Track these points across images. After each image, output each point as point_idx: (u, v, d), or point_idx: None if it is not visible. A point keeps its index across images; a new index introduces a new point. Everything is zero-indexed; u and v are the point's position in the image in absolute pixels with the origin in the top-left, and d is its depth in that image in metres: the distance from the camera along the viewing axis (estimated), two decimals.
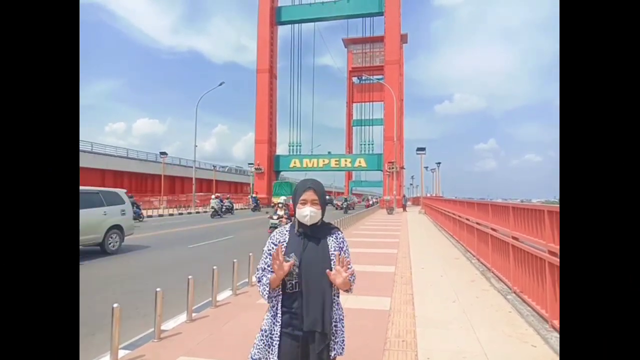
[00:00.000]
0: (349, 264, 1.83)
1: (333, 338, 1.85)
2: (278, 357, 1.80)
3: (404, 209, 33.02)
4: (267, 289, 1.82)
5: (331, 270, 1.83)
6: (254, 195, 36.12)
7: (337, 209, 35.03)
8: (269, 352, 1.81)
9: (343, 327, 1.91)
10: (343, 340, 1.90)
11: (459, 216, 10.61)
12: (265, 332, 1.85)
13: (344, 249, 1.93)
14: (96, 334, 4.16)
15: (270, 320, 1.85)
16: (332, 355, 1.85)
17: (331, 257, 1.86)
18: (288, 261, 1.81)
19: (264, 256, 1.90)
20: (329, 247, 1.89)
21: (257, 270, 1.90)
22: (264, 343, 1.84)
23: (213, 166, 52.25)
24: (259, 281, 1.87)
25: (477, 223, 7.86)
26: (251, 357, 1.87)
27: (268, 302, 1.86)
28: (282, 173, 47.21)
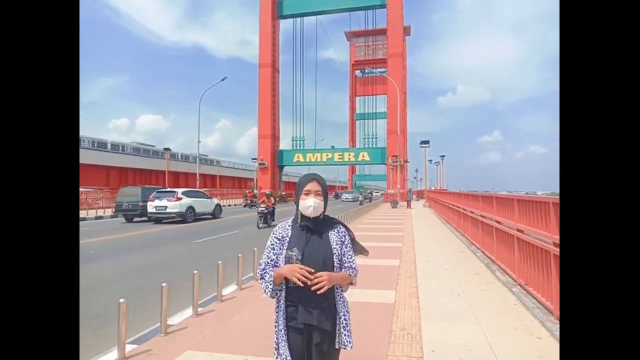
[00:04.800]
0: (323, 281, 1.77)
1: (337, 331, 1.86)
2: (288, 351, 1.83)
3: (408, 205, 27.94)
4: (271, 286, 1.84)
5: (333, 264, 1.86)
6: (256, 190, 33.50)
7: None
8: (280, 347, 1.84)
9: (347, 320, 1.90)
10: (349, 333, 1.88)
11: (464, 209, 10.58)
12: (277, 326, 1.87)
13: (346, 242, 1.93)
14: (104, 328, 4.21)
15: (277, 315, 1.87)
16: (337, 347, 1.86)
17: (333, 251, 1.87)
18: (291, 256, 1.82)
19: (267, 251, 1.91)
20: (331, 240, 1.89)
21: (260, 265, 1.91)
22: (277, 337, 1.87)
23: (217, 161, 52.50)
24: (262, 278, 1.88)
25: (482, 216, 7.84)
26: (275, 350, 1.90)
27: (272, 297, 1.88)
28: (285, 168, 47.20)
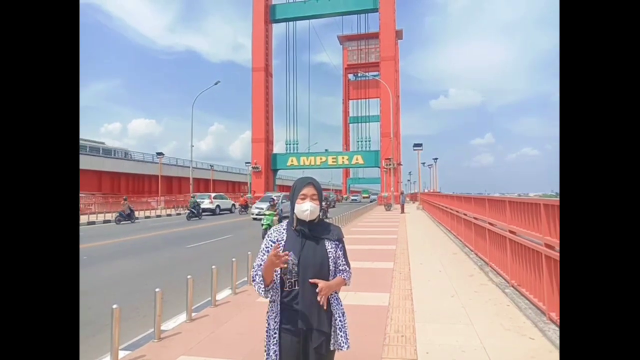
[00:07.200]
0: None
1: (333, 333, 1.87)
2: (280, 354, 1.82)
3: (402, 210, 25.26)
4: (262, 286, 1.83)
5: (329, 268, 1.87)
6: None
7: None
8: (271, 350, 1.83)
9: (343, 322, 1.91)
10: (346, 335, 1.89)
11: (457, 211, 10.65)
12: (268, 331, 1.86)
13: (340, 246, 1.95)
14: (96, 335, 4.16)
15: (272, 319, 1.87)
16: (333, 349, 1.87)
17: (329, 255, 1.88)
18: (287, 260, 1.81)
19: (261, 254, 1.91)
20: (326, 245, 1.90)
21: (254, 267, 1.90)
22: (267, 342, 1.86)
23: (210, 165, 52.32)
24: (254, 280, 1.87)
25: (475, 218, 7.89)
26: (265, 354, 1.88)
27: (265, 297, 1.87)
28: (279, 171, 47.13)
